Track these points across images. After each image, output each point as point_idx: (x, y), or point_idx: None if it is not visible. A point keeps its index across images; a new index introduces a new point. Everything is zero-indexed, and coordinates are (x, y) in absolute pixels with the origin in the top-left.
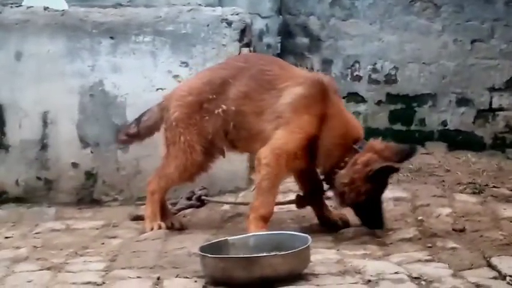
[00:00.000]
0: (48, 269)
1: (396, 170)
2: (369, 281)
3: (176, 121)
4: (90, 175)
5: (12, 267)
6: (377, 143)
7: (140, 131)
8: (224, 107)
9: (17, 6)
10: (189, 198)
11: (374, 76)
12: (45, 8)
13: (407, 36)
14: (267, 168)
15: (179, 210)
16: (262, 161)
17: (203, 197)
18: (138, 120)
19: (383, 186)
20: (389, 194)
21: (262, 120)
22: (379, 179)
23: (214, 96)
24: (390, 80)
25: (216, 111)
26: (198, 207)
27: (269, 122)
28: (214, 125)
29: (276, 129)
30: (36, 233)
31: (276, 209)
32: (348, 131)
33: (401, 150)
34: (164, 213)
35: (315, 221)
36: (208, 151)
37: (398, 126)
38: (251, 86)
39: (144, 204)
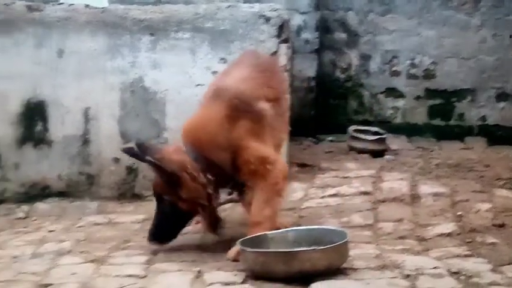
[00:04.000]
0: (91, 261)
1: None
2: (408, 275)
3: None
4: (131, 170)
5: (56, 260)
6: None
7: None
8: None
9: (58, 4)
10: (230, 193)
11: (412, 71)
12: (86, 6)
13: (446, 31)
14: None
15: (219, 204)
16: None
17: None
18: None
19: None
20: (428, 189)
21: None
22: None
23: None
24: (429, 75)
25: None
26: (237, 201)
27: None
28: None
29: None
30: (79, 227)
31: (314, 204)
32: (189, 130)
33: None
34: None
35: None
36: None
37: (437, 122)
38: None
39: None
